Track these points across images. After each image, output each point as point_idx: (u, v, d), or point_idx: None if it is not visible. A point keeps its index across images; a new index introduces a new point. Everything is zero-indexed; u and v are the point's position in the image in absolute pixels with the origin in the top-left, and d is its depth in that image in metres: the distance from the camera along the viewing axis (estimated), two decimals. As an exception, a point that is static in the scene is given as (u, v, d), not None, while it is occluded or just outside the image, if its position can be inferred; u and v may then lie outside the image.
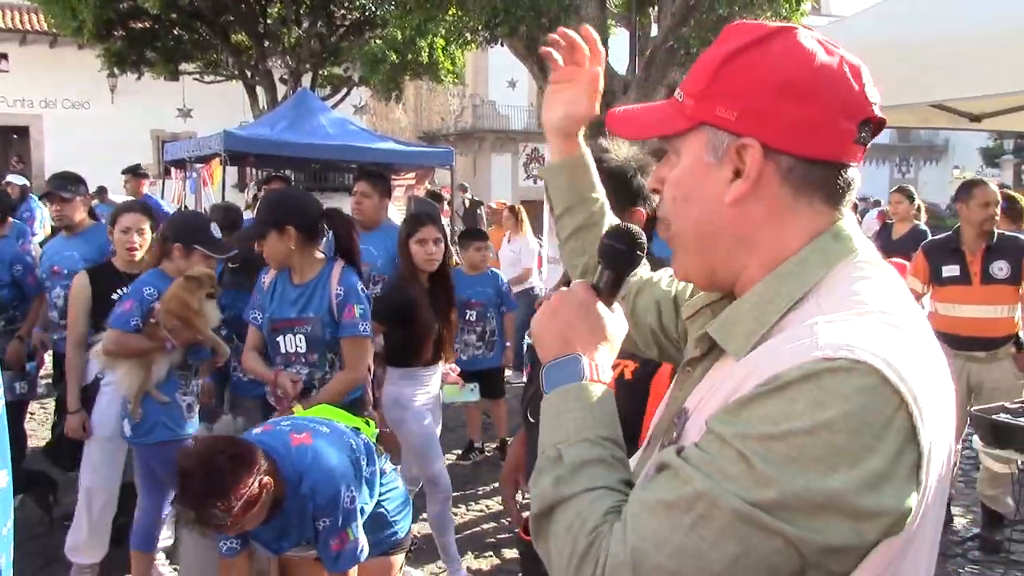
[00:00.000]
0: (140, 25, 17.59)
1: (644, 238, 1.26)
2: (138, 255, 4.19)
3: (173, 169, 14.25)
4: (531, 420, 1.45)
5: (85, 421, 4.01)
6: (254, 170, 15.43)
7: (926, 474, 0.91)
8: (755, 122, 1.03)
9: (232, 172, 12.19)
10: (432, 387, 4.35)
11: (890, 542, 0.90)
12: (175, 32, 18.17)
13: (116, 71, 18.57)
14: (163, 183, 14.52)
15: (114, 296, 3.96)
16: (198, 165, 12.87)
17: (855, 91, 1.04)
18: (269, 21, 18.18)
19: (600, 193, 1.61)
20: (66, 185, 5.03)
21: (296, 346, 3.48)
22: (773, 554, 0.88)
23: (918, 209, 7.66)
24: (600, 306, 1.20)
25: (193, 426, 3.84)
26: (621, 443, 1.10)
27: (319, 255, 3.53)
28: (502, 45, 10.23)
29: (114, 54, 17.72)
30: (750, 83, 1.03)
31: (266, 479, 2.46)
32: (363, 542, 2.75)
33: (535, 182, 25.55)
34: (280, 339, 3.49)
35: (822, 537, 0.87)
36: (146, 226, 4.27)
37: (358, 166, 13.42)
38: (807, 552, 0.88)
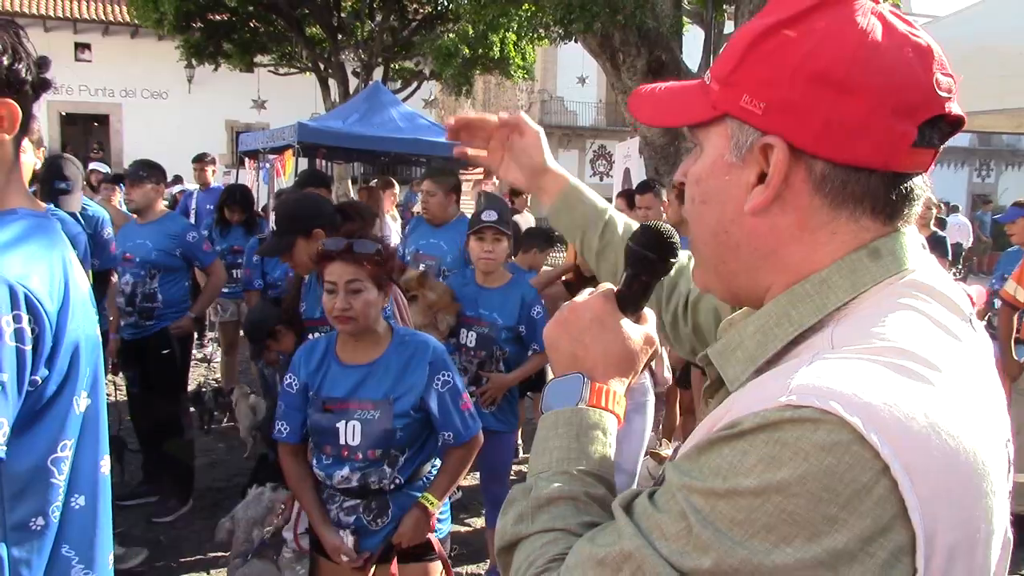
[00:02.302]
0: (218, 17, 17.95)
1: (676, 237, 1.10)
2: None
3: (247, 159, 14.52)
4: None
5: None
6: (325, 161, 15.62)
7: (927, 567, 0.71)
8: (783, 117, 0.83)
9: (303, 163, 12.33)
10: None
11: None
12: (251, 24, 18.49)
13: (194, 62, 18.97)
14: (236, 172, 14.82)
15: None
16: (271, 156, 13.08)
17: (920, 82, 0.81)
18: (343, 14, 18.37)
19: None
20: (139, 170, 5.12)
21: None
22: None
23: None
24: (619, 321, 1.08)
25: None
26: (607, 478, 0.99)
27: None
28: (576, 41, 10.13)
29: (192, 45, 18.11)
30: (781, 68, 0.83)
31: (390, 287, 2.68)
32: None
33: (602, 179, 25.39)
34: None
35: None
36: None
37: (426, 160, 13.50)
38: None
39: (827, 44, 0.81)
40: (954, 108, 0.83)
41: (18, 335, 1.37)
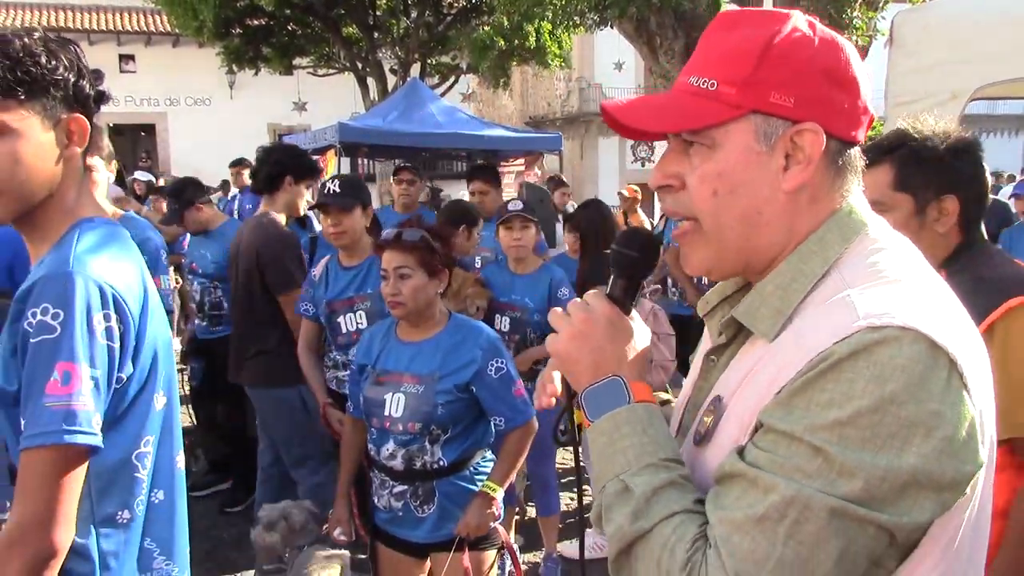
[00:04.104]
0: (256, 22, 18.14)
1: (654, 239, 1.26)
2: None
3: (290, 161, 14.67)
4: (560, 441, 1.40)
5: None
6: (367, 160, 15.75)
7: (985, 433, 0.92)
8: (813, 107, 1.01)
9: (345, 163, 12.46)
10: None
11: (961, 504, 0.91)
12: (289, 27, 18.67)
13: (234, 68, 19.23)
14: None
15: None
16: (314, 157, 13.22)
17: (865, 75, 1.06)
18: (378, 12, 18.46)
19: None
20: (192, 198, 5.21)
21: (357, 323, 3.68)
22: (870, 542, 0.87)
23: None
24: (628, 322, 1.17)
25: None
26: (682, 460, 1.05)
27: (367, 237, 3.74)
28: (611, 27, 10.10)
29: (232, 51, 18.34)
30: (800, 69, 1.01)
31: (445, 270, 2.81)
32: None
33: (643, 165, 25.23)
34: (340, 319, 3.69)
35: (909, 517, 0.87)
36: None
37: (468, 156, 13.56)
38: (900, 534, 0.88)
39: (825, 51, 1.02)
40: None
41: (108, 333, 1.45)
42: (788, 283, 1.03)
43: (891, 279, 0.97)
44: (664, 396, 5.21)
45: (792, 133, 1.02)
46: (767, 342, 1.02)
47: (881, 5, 9.71)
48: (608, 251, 1.22)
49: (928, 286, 0.99)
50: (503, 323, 4.16)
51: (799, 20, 1.04)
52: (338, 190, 3.64)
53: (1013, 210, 8.04)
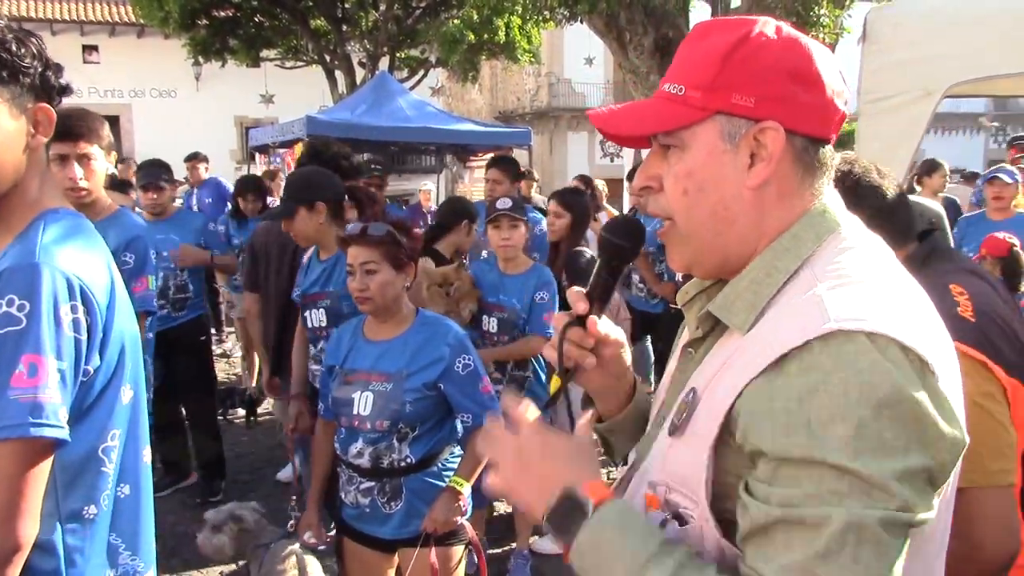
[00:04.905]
0: (223, 13, 17.94)
1: (643, 229, 1.31)
2: None
3: (258, 154, 14.55)
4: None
5: None
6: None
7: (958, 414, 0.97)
8: (774, 106, 1.05)
9: (314, 156, 12.36)
10: None
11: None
12: (256, 19, 18.48)
13: (200, 60, 19.00)
14: (248, 168, 14.85)
15: None
16: (281, 150, 13.11)
17: (839, 73, 1.09)
18: (347, 5, 18.34)
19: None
20: (159, 177, 5.34)
21: (319, 320, 3.63)
22: (906, 542, 0.90)
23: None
24: (558, 435, 1.15)
25: None
26: (669, 536, 1.02)
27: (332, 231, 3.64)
28: (581, 22, 10.11)
29: (198, 43, 18.12)
30: (762, 71, 1.05)
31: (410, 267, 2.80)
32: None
33: (612, 160, 25.29)
34: (307, 314, 3.66)
35: (928, 511, 0.91)
36: None
37: (436, 150, 13.51)
38: (930, 521, 0.92)
39: (789, 52, 1.06)
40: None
41: (75, 325, 1.42)
42: (762, 278, 1.07)
43: (860, 279, 1.00)
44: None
45: (755, 131, 1.05)
46: (741, 335, 1.05)
47: (848, 3, 9.81)
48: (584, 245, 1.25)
49: (896, 286, 1.03)
50: (490, 323, 4.09)
51: (767, 26, 1.08)
52: (283, 195, 3.62)
53: (973, 200, 8.21)
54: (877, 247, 1.10)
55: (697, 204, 1.10)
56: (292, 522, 3.38)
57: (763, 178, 1.07)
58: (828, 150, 1.11)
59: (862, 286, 0.99)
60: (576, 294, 1.26)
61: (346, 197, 3.71)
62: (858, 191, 1.93)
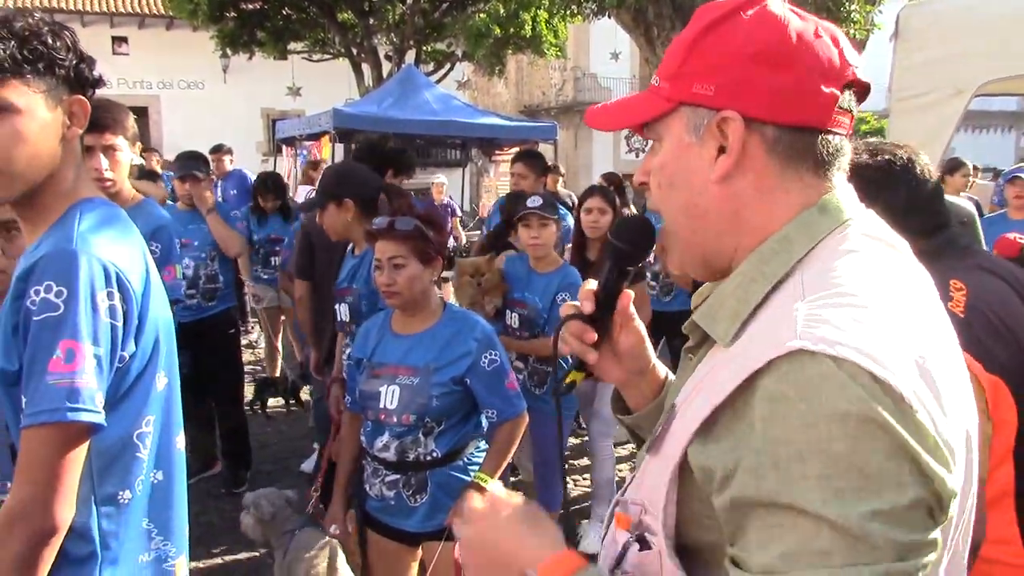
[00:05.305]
0: (251, 6, 18.06)
1: (651, 228, 1.26)
2: None
3: (284, 147, 14.65)
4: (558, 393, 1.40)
5: None
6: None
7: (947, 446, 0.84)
8: (733, 94, 0.97)
9: (340, 149, 12.42)
10: None
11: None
12: (284, 12, 18.59)
13: (228, 52, 19.13)
14: (274, 160, 14.94)
15: None
16: (308, 143, 13.18)
17: (832, 52, 0.97)
18: (374, -2, 18.42)
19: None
20: (195, 169, 5.36)
21: (344, 315, 3.63)
22: None
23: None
24: (508, 512, 1.10)
25: None
26: None
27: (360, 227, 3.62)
28: (608, 17, 10.08)
29: (226, 35, 18.26)
30: (724, 56, 0.97)
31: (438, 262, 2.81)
32: None
33: (637, 155, 25.23)
34: (337, 307, 3.67)
35: (934, 551, 0.81)
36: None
37: (462, 144, 13.55)
38: (937, 559, 0.83)
39: (758, 31, 0.96)
40: (860, 75, 0.99)
41: (111, 312, 1.45)
42: (748, 284, 0.98)
43: (851, 291, 0.88)
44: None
45: (717, 121, 0.98)
46: (724, 347, 0.96)
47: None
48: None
49: (894, 302, 0.89)
50: (513, 319, 4.11)
51: (757, 4, 0.99)
52: (317, 189, 3.64)
53: (995, 200, 8.11)
54: (884, 251, 0.98)
55: (669, 199, 1.06)
56: (309, 509, 3.40)
57: (724, 171, 0.99)
58: (830, 139, 0.99)
59: (850, 300, 0.87)
60: (585, 292, 1.24)
61: (380, 195, 3.70)
62: (900, 176, 1.88)
